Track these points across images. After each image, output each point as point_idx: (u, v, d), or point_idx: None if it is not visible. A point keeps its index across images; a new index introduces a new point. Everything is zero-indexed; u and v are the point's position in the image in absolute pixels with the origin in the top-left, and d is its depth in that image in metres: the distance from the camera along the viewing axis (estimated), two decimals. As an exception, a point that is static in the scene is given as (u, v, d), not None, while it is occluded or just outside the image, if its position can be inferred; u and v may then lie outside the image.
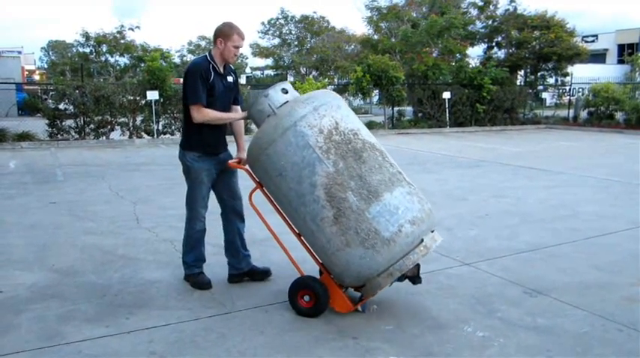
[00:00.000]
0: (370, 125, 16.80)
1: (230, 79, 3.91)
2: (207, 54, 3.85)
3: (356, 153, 3.26)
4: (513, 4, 23.16)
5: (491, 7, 23.14)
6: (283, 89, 3.51)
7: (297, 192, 3.25)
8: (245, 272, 4.11)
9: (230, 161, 3.93)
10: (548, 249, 5.01)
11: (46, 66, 60.48)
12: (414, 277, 3.49)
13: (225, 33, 3.75)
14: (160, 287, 4.03)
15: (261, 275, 4.14)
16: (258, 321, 3.44)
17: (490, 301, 3.78)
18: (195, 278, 4.02)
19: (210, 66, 3.77)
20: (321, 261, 3.50)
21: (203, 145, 3.83)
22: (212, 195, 4.08)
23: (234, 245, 4.11)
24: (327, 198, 3.17)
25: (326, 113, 3.31)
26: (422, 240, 3.27)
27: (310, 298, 3.46)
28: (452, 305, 3.71)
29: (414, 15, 21.97)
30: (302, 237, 3.55)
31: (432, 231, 3.40)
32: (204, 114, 3.72)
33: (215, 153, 3.89)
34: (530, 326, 3.39)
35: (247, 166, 3.70)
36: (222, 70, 3.84)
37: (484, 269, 4.43)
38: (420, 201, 3.34)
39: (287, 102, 3.44)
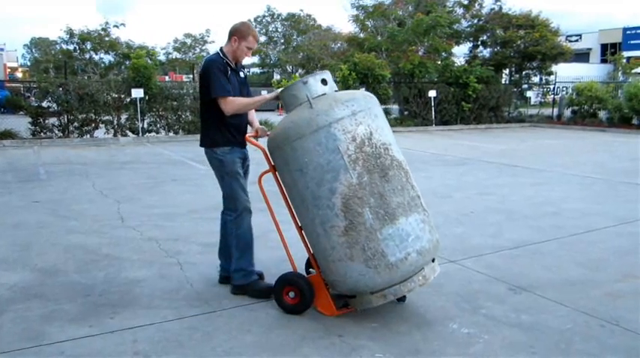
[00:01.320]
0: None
1: (242, 74, 3.89)
2: (219, 51, 3.78)
3: (383, 170, 3.15)
4: (499, 3, 23.35)
5: (476, 5, 23.26)
6: (323, 80, 3.37)
7: (313, 192, 3.16)
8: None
9: (247, 135, 3.80)
10: (532, 246, 5.05)
11: (29, 63, 59.75)
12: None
13: (242, 33, 3.69)
14: (145, 286, 3.99)
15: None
16: (244, 320, 3.43)
17: (475, 298, 3.80)
18: (256, 285, 3.78)
19: (225, 62, 3.72)
20: (315, 259, 3.47)
21: (230, 139, 3.74)
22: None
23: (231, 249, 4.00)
24: (343, 208, 3.09)
25: (363, 120, 3.18)
26: (422, 269, 3.27)
27: (295, 294, 3.45)
28: (438, 303, 3.72)
29: (400, 13, 22.01)
30: (303, 232, 3.48)
31: (433, 260, 3.39)
32: (235, 104, 3.63)
33: (241, 146, 3.81)
34: (514, 323, 3.41)
35: (265, 148, 3.54)
36: (234, 66, 3.79)
37: (469, 267, 4.46)
38: (431, 230, 3.29)
39: (324, 94, 3.31)
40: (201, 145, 3.86)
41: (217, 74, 3.63)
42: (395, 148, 3.31)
